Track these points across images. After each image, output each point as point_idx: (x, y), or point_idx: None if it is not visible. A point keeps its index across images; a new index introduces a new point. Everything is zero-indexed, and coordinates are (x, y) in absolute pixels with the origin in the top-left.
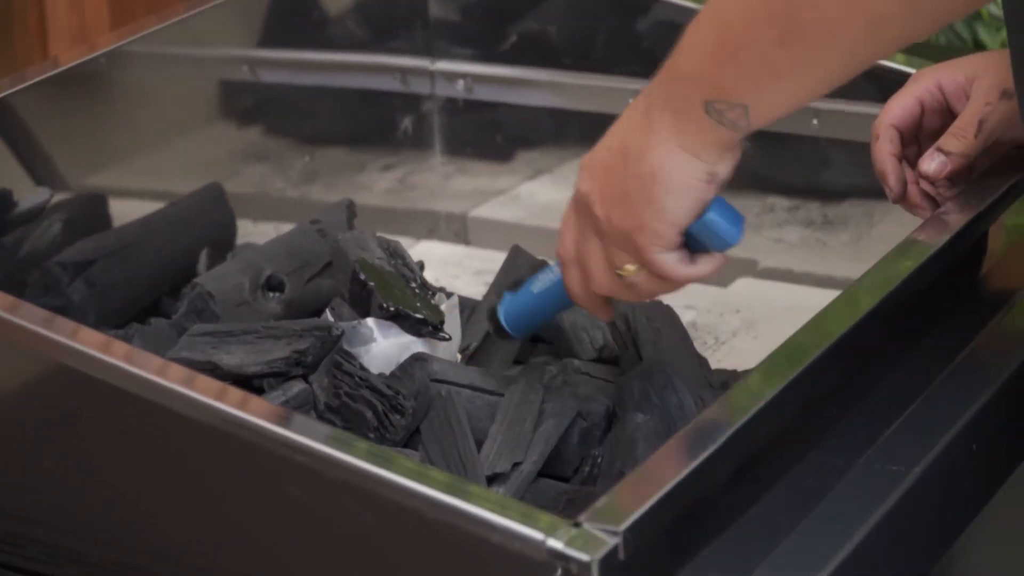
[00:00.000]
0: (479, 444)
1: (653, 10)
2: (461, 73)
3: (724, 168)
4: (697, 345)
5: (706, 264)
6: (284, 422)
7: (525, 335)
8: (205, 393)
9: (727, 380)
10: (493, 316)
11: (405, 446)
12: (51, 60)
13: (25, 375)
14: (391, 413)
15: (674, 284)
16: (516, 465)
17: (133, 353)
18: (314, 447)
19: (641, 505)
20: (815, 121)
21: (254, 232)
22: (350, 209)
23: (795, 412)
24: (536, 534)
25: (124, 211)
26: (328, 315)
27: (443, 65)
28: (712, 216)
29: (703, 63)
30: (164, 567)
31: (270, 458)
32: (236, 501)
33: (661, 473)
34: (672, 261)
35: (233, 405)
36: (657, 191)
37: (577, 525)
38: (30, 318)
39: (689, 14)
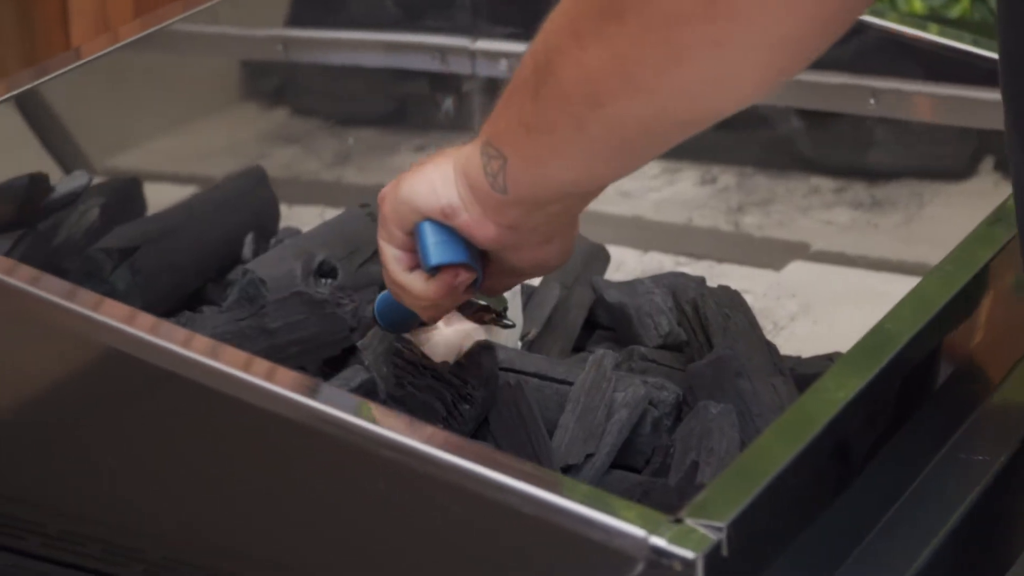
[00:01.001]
0: (549, 434)
1: None
2: (503, 52)
3: (464, 216)
4: None
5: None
6: (370, 417)
7: (396, 330)
8: (284, 386)
9: (794, 367)
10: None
11: (473, 438)
12: (74, 51)
13: (94, 367)
14: (460, 403)
15: (406, 291)
16: (589, 456)
17: (217, 347)
18: (402, 441)
19: (743, 499)
20: (872, 100)
21: (289, 215)
22: None
23: (884, 400)
24: (638, 531)
25: (159, 195)
26: None
27: (484, 44)
28: (424, 227)
29: (501, 100)
30: (233, 565)
31: (353, 452)
32: (313, 496)
33: (760, 465)
34: (389, 254)
35: (321, 400)
36: (407, 180)
37: (679, 521)
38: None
39: None
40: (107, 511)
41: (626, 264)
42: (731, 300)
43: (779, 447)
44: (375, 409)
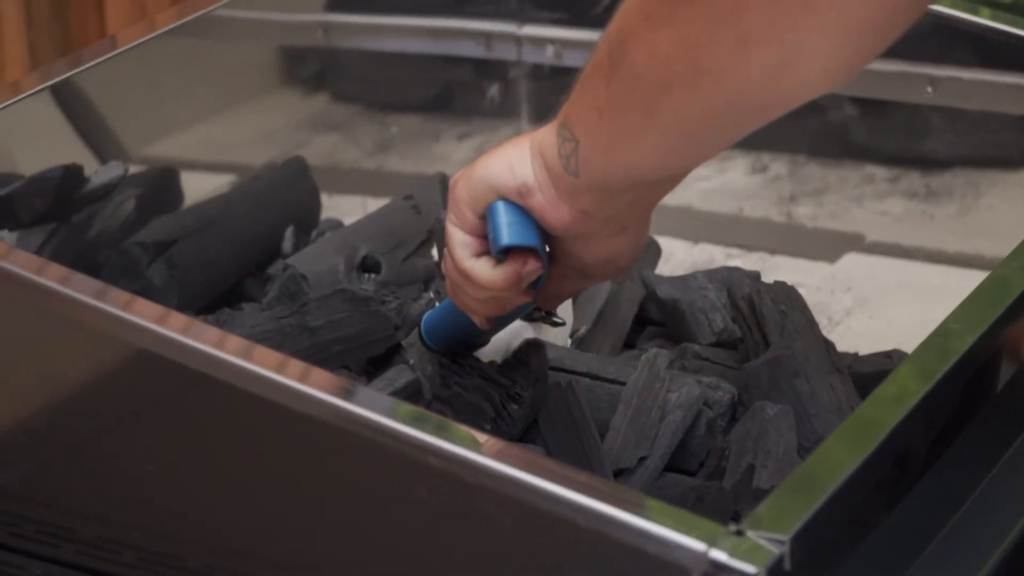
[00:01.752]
0: (601, 436)
1: None
2: (550, 39)
3: (538, 197)
4: None
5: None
6: (416, 423)
7: (445, 348)
8: (319, 387)
9: (852, 364)
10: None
11: (522, 440)
12: (109, 39)
13: (125, 368)
14: (508, 403)
15: (471, 278)
16: (642, 460)
17: (250, 348)
18: (451, 450)
19: (806, 511)
20: (930, 88)
21: (329, 205)
22: (444, 183)
23: (948, 404)
24: (697, 544)
25: (197, 185)
26: (432, 298)
27: (531, 30)
28: (498, 206)
29: (578, 82)
30: (271, 573)
31: (397, 459)
32: (354, 504)
33: (823, 475)
34: (457, 239)
35: (364, 407)
36: (484, 160)
37: (740, 533)
38: (142, 313)
39: None
40: (143, 517)
41: (675, 256)
42: (788, 296)
43: (843, 455)
44: (419, 413)
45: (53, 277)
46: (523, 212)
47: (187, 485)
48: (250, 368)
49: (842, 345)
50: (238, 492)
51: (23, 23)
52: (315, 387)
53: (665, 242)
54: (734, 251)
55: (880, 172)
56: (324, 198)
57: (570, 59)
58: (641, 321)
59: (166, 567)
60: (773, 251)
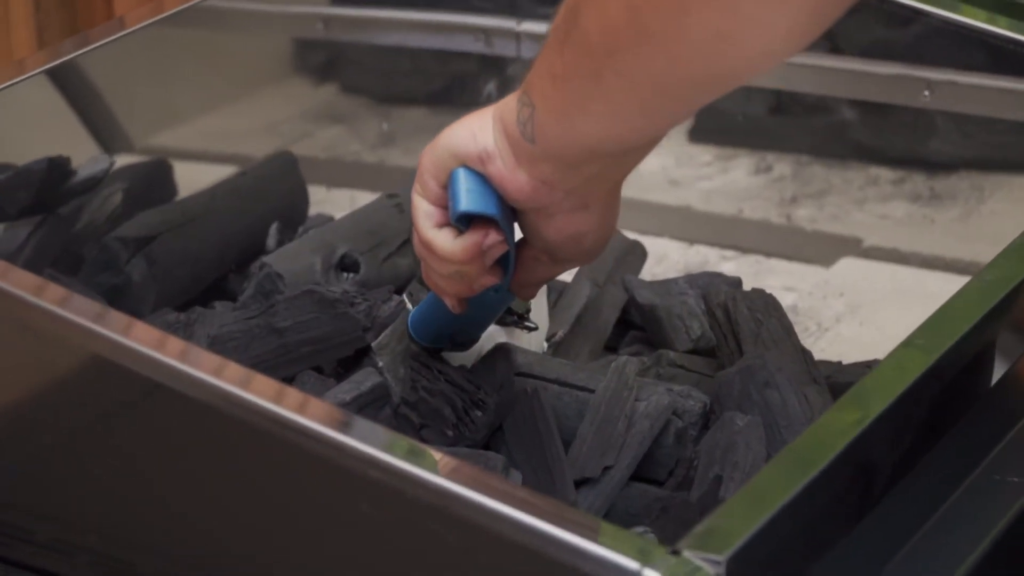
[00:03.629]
0: (567, 444)
1: None
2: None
3: (498, 164)
4: (799, 331)
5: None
6: (357, 432)
7: (434, 344)
8: (263, 396)
9: (832, 374)
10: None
11: (487, 446)
12: (117, 21)
13: (73, 371)
14: (472, 409)
15: (432, 250)
16: (607, 469)
17: (197, 354)
18: (390, 462)
19: (745, 532)
20: (927, 92)
21: (327, 199)
22: None
23: (913, 419)
24: (631, 563)
25: (191, 176)
26: (405, 301)
27: (530, 26)
28: (458, 172)
29: (540, 51)
30: None
31: (338, 471)
32: (297, 515)
33: (767, 495)
34: (421, 210)
35: (306, 415)
36: (448, 129)
37: (676, 553)
38: (80, 312)
39: None
40: (99, 521)
41: (669, 257)
42: (765, 304)
43: (789, 475)
44: (364, 426)
45: (18, 284)
46: (485, 182)
47: (143, 493)
48: (195, 375)
49: (830, 352)
50: (189, 501)
51: (31, 6)
52: (257, 395)
53: (660, 243)
54: (729, 253)
55: (885, 174)
56: (322, 192)
57: None
58: (626, 325)
59: (118, 573)
60: (769, 254)
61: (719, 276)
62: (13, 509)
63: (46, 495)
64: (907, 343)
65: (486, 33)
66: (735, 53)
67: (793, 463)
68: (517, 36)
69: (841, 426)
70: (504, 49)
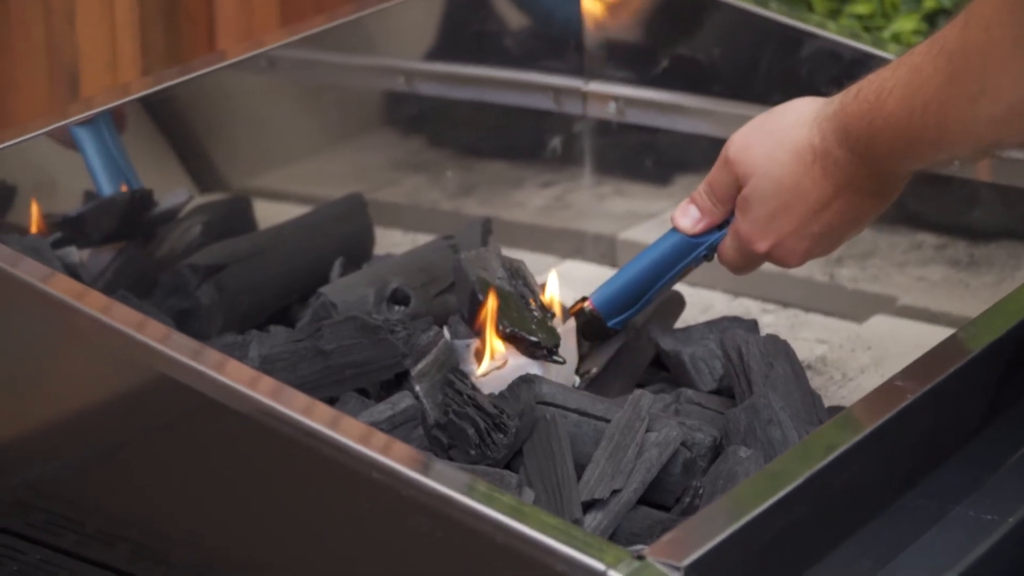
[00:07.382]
0: (583, 468)
1: (807, 43)
2: (613, 95)
3: None
4: (823, 380)
5: None
6: (364, 440)
7: (622, 321)
8: (295, 410)
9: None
10: (582, 314)
11: (508, 466)
12: (218, 52)
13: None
14: (494, 432)
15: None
16: (615, 492)
17: (224, 362)
18: (389, 465)
19: (707, 542)
20: (956, 163)
21: (403, 242)
22: (485, 227)
23: (887, 454)
24: (598, 565)
25: (270, 215)
26: (445, 333)
27: (596, 86)
28: None
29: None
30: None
31: (348, 473)
32: (311, 512)
33: (737, 507)
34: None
35: (321, 422)
36: None
37: (641, 558)
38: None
39: (847, 50)
40: (142, 516)
41: (713, 308)
42: (776, 349)
43: (760, 491)
44: (356, 427)
45: (65, 291)
46: None
47: (180, 493)
48: (236, 388)
49: (849, 400)
50: (219, 503)
51: (136, 23)
52: (290, 408)
53: (706, 294)
54: (770, 306)
55: (930, 239)
56: (399, 235)
57: (632, 116)
58: (660, 367)
59: (153, 561)
60: (808, 308)
61: (736, 320)
62: (67, 503)
63: (97, 492)
64: (886, 385)
65: (555, 91)
66: None
67: (767, 480)
68: (583, 95)
69: (818, 449)
70: (571, 107)
